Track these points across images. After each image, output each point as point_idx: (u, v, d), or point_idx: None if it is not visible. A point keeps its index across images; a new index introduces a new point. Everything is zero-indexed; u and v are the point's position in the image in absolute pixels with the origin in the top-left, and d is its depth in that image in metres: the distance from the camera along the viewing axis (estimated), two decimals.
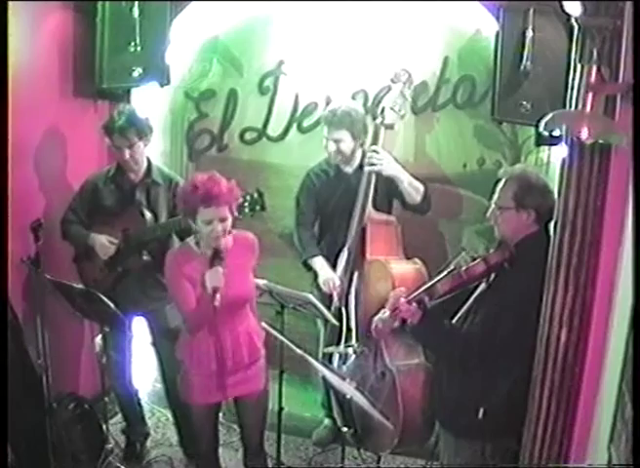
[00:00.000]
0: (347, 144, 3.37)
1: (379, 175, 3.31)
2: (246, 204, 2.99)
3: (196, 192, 2.66)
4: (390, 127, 3.34)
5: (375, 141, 3.33)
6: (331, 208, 3.50)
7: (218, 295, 2.63)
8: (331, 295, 3.39)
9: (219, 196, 2.64)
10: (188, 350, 2.90)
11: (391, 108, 3.31)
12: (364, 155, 3.36)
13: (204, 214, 2.67)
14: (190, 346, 2.89)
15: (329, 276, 3.42)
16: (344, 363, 3.34)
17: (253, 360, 2.91)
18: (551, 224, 2.38)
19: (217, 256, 2.72)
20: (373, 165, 3.28)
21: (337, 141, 3.36)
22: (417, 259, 3.26)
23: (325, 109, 3.52)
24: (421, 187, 3.37)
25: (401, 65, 3.48)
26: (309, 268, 3.52)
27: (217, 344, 2.81)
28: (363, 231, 3.33)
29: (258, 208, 3.01)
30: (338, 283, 3.39)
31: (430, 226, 3.67)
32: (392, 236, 3.35)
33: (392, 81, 3.34)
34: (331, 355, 3.41)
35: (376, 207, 3.36)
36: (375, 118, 3.40)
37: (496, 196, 2.55)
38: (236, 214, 2.82)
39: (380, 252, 3.29)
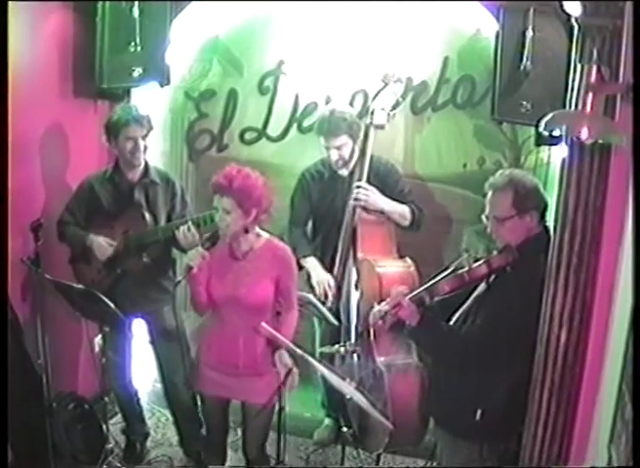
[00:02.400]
0: (348, 148, 3.35)
1: (369, 174, 3.32)
2: None
3: (216, 179, 2.78)
4: (381, 127, 3.32)
5: (365, 142, 3.31)
6: (325, 208, 3.50)
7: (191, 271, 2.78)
8: (325, 296, 3.39)
9: (224, 187, 2.73)
10: (205, 339, 2.98)
11: (382, 109, 3.30)
12: (361, 154, 3.35)
13: (215, 200, 2.79)
14: (207, 336, 2.98)
15: (322, 277, 3.42)
16: (342, 363, 3.33)
17: (265, 370, 2.88)
18: (551, 224, 2.38)
19: (209, 239, 2.81)
20: (358, 200, 3.28)
21: (339, 148, 3.34)
22: (408, 259, 3.26)
23: (314, 119, 3.51)
24: (409, 215, 3.36)
25: (401, 65, 3.49)
26: (301, 268, 3.51)
27: (229, 341, 2.87)
28: (354, 231, 3.32)
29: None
30: (332, 283, 3.40)
31: (430, 226, 3.66)
32: (385, 235, 3.35)
33: (383, 81, 3.34)
34: (331, 354, 3.41)
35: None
36: (361, 117, 3.41)
37: (490, 209, 2.53)
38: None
39: (371, 251, 3.28)
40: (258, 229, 2.88)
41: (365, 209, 3.32)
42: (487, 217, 2.55)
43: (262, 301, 2.85)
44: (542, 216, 2.52)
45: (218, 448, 3.24)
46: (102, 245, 3.30)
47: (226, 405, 3.12)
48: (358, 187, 3.29)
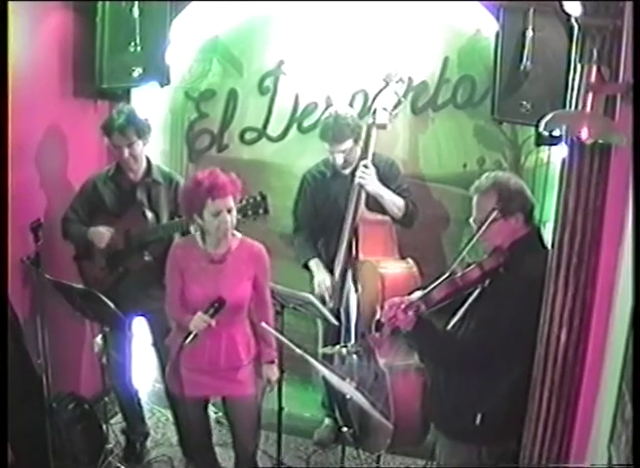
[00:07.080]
0: (353, 150, 3.37)
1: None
2: (249, 207, 2.99)
3: (201, 186, 2.71)
4: (382, 127, 3.33)
5: (367, 141, 3.32)
6: (328, 209, 3.50)
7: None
8: (323, 296, 3.41)
9: (224, 186, 2.71)
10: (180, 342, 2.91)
11: (384, 108, 3.30)
12: (363, 153, 3.35)
13: (212, 207, 2.72)
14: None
15: (322, 277, 3.45)
16: (342, 363, 3.34)
17: (244, 364, 2.93)
18: (551, 224, 2.38)
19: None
20: (360, 178, 3.29)
21: (344, 152, 3.35)
22: (409, 260, 3.26)
23: (319, 123, 3.49)
24: (402, 205, 3.37)
25: (401, 65, 3.49)
26: (309, 270, 3.54)
27: (210, 341, 2.86)
28: (356, 231, 3.32)
29: (261, 211, 3.01)
30: (329, 284, 3.42)
31: (430, 226, 3.67)
32: (386, 236, 3.35)
33: (385, 80, 3.35)
34: (332, 355, 3.41)
35: (369, 207, 3.35)
36: (362, 117, 3.42)
37: (475, 212, 2.53)
38: (239, 216, 2.85)
39: (373, 252, 3.29)
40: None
41: (368, 207, 3.32)
42: (474, 221, 2.54)
43: (242, 301, 2.88)
44: (529, 218, 2.50)
45: (205, 450, 3.24)
46: (100, 231, 3.31)
47: (206, 404, 3.14)
48: (364, 166, 3.30)
